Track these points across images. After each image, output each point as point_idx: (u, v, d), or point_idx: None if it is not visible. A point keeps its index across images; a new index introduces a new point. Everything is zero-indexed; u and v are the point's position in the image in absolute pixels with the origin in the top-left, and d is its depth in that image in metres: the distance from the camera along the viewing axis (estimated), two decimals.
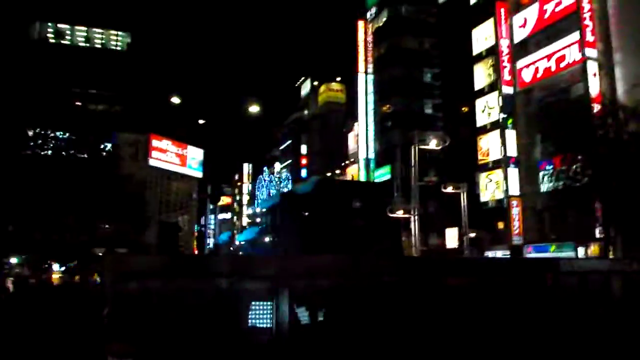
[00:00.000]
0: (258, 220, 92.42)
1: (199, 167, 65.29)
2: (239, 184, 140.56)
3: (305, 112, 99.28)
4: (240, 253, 78.96)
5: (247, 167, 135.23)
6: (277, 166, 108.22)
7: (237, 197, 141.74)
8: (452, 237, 49.67)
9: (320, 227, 17.83)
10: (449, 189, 38.69)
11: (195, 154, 64.04)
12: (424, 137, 28.71)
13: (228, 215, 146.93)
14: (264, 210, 76.17)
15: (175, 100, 58.94)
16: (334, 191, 19.82)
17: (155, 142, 57.42)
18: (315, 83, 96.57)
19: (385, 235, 18.98)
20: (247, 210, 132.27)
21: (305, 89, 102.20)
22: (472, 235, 42.56)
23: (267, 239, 58.84)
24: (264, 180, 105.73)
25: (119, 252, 38.78)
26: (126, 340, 7.80)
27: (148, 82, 68.06)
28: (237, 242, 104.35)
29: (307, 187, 34.14)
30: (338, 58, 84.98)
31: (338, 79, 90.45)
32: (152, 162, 56.40)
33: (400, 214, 31.56)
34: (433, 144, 29.05)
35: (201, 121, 58.81)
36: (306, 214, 19.26)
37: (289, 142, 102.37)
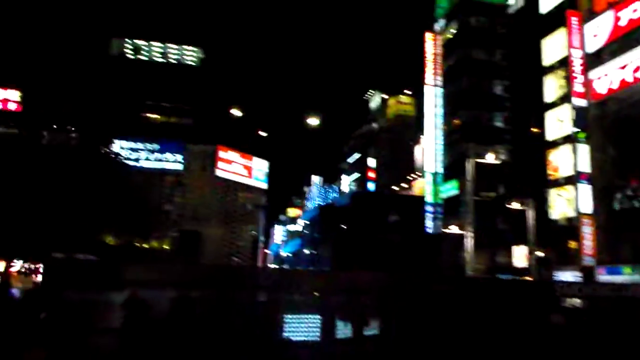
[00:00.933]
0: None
1: (265, 179, 66.21)
2: (306, 195, 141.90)
3: (374, 125, 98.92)
4: (285, 265, 78.68)
5: (316, 180, 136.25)
6: (345, 179, 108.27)
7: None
8: (520, 256, 47.68)
9: (355, 241, 17.32)
10: (514, 205, 37.20)
11: (260, 166, 65.01)
12: (480, 151, 27.63)
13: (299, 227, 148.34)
14: (306, 222, 76.15)
15: (242, 113, 60.33)
16: (370, 205, 19.20)
17: (222, 154, 58.79)
18: (385, 96, 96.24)
19: (422, 251, 18.12)
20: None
21: (375, 102, 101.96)
22: (540, 254, 40.65)
23: (306, 251, 58.60)
24: (315, 191, 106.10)
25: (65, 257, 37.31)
26: (46, 346, 7.76)
27: (218, 95, 69.93)
28: (283, 254, 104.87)
29: (344, 200, 33.38)
30: (408, 71, 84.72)
31: (407, 92, 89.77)
32: (218, 173, 57.70)
33: (454, 229, 30.54)
34: (490, 158, 27.89)
35: (263, 133, 59.63)
36: (342, 227, 18.83)
37: (357, 155, 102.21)
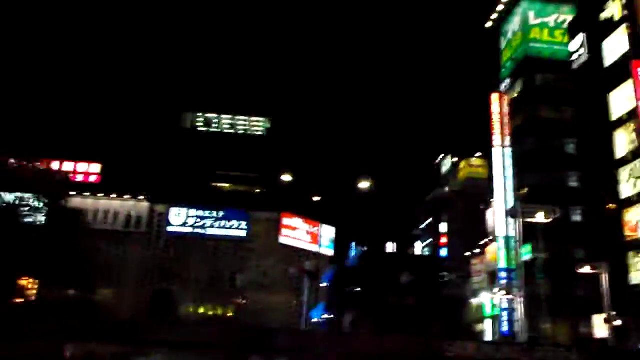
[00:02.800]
0: None
1: (331, 245, 65.71)
2: None
3: (446, 189, 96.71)
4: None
5: (391, 247, 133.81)
6: (418, 245, 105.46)
7: None
8: (600, 325, 43.80)
9: (366, 304, 16.29)
10: (586, 269, 34.64)
11: (327, 232, 64.73)
12: (529, 210, 26.07)
13: None
14: (327, 284, 73.43)
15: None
16: (379, 265, 18.10)
17: (286, 220, 59.13)
18: (455, 159, 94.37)
19: (438, 315, 16.77)
20: None
21: (446, 165, 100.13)
22: (618, 323, 37.09)
23: (327, 315, 56.53)
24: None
25: None
26: None
27: (285, 163, 71.35)
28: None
29: (353, 261, 31.45)
30: (478, 133, 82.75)
31: (478, 154, 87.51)
32: (282, 240, 57.88)
33: (502, 294, 28.51)
34: (540, 217, 26.22)
35: (318, 198, 59.60)
36: (352, 288, 17.72)
37: (429, 220, 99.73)
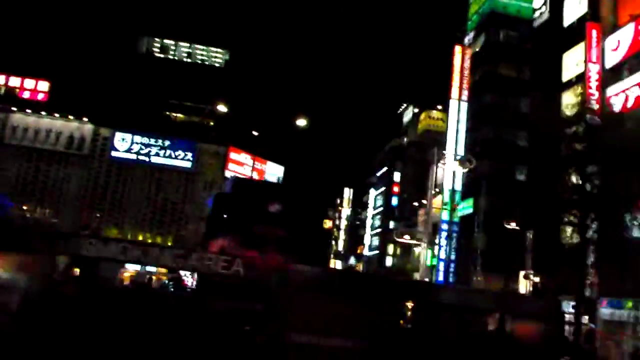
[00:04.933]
0: None
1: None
2: (339, 208, 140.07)
3: (405, 139, 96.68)
4: None
5: (347, 192, 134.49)
6: (372, 192, 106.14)
7: (337, 222, 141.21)
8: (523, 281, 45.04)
9: (232, 232, 15.86)
10: (512, 225, 35.01)
11: (274, 170, 64.11)
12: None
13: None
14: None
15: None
16: (251, 193, 17.69)
17: (233, 155, 58.19)
18: (417, 110, 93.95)
19: (307, 248, 16.49)
20: (343, 236, 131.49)
21: (407, 116, 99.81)
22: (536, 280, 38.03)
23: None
24: None
25: None
26: None
27: (240, 97, 69.69)
28: None
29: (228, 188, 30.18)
30: (441, 85, 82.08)
31: (439, 107, 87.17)
32: (227, 174, 57.12)
33: (407, 238, 28.62)
34: (455, 166, 25.88)
35: (255, 132, 58.59)
36: (224, 216, 17.48)
37: (385, 169, 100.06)
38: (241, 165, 58.96)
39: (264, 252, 13.54)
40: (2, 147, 57.29)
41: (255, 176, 61.08)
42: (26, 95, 66.92)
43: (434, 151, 71.13)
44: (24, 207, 52.32)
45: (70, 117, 60.78)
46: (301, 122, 43.77)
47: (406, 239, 51.64)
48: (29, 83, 67.96)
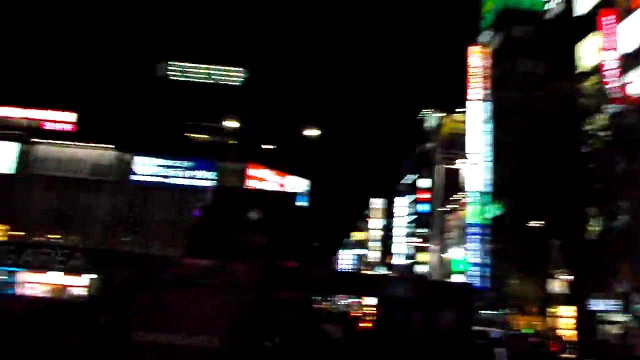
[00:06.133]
0: None
1: (304, 198, 64.93)
2: (367, 219, 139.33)
3: (429, 144, 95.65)
4: None
5: (375, 202, 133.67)
6: (400, 201, 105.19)
7: (369, 233, 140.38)
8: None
9: (211, 243, 15.38)
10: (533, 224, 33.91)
11: (297, 184, 63.90)
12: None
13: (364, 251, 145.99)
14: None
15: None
16: (229, 201, 17.21)
17: (252, 171, 58.34)
18: (439, 114, 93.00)
19: (290, 254, 15.74)
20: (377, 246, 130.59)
21: (430, 121, 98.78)
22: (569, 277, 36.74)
23: None
24: None
25: None
26: None
27: (261, 113, 70.20)
28: None
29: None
30: (462, 87, 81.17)
31: (462, 109, 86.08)
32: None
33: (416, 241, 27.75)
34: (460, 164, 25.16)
35: (269, 146, 58.44)
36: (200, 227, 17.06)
37: (412, 175, 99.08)
38: (261, 180, 58.95)
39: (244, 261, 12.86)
40: (29, 177, 58.77)
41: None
42: (53, 126, 68.65)
43: (458, 155, 70.35)
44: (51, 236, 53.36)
45: (94, 145, 62.04)
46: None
47: (417, 241, 50.67)
48: (56, 115, 69.84)
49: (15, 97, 70.91)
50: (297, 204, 22.29)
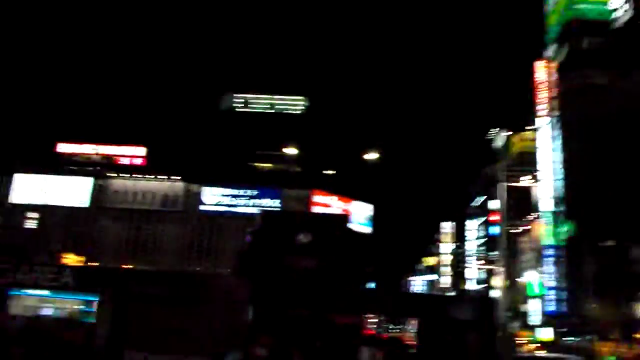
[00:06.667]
0: None
1: (368, 223, 64.40)
2: (440, 243, 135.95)
3: (498, 164, 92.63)
4: None
5: (446, 226, 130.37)
6: (471, 224, 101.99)
7: (439, 258, 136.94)
8: None
9: (260, 267, 14.99)
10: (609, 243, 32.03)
11: (362, 210, 63.46)
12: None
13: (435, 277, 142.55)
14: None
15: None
16: (279, 225, 16.76)
17: (317, 198, 58.39)
18: (508, 133, 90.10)
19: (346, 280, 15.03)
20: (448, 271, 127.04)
21: (498, 140, 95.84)
22: None
23: None
24: None
25: None
26: None
27: (323, 141, 70.58)
28: None
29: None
30: (529, 104, 78.63)
31: (531, 127, 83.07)
32: None
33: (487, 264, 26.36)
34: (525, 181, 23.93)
35: (332, 172, 58.15)
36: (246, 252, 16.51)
37: (481, 198, 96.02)
38: (326, 207, 58.88)
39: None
40: (104, 210, 61.42)
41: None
42: (125, 161, 71.70)
43: (528, 174, 67.70)
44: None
45: (163, 177, 64.19)
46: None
47: (481, 263, 49.25)
48: (127, 150, 72.89)
49: (87, 133, 75.00)
50: (350, 226, 21.90)
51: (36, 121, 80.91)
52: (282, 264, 15.13)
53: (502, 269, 59.06)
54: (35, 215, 63.67)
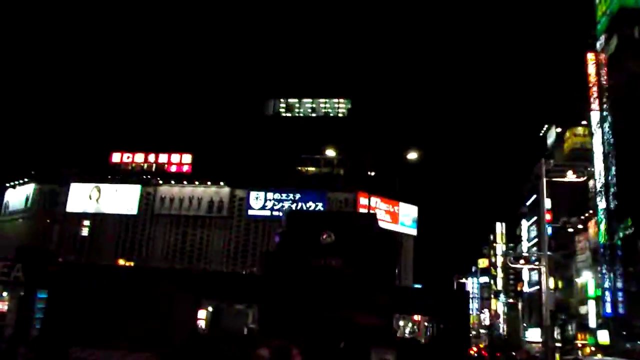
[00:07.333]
0: None
1: (413, 224, 63.61)
2: (493, 244, 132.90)
3: (551, 162, 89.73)
4: None
5: (500, 227, 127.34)
6: (525, 224, 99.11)
7: (493, 259, 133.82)
8: None
9: (283, 271, 14.67)
10: None
11: (408, 211, 62.74)
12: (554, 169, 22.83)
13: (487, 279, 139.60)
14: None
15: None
16: (304, 224, 16.30)
17: (362, 200, 58.03)
18: (560, 129, 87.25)
19: (374, 281, 14.46)
20: (500, 274, 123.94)
21: (551, 137, 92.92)
22: None
23: None
24: None
25: None
26: None
27: (367, 142, 70.06)
28: None
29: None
30: (582, 98, 75.90)
31: (584, 122, 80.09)
32: None
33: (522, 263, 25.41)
34: (570, 176, 22.92)
35: (376, 173, 57.23)
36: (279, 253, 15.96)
37: (534, 197, 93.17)
38: (371, 209, 58.37)
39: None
40: (153, 217, 62.94)
41: (389, 219, 60.03)
42: (173, 168, 73.28)
43: (583, 171, 65.22)
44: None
45: (209, 183, 65.21)
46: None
47: (521, 263, 48.79)
48: (175, 157, 74.47)
49: (137, 142, 76.98)
50: (379, 226, 21.38)
51: (91, 131, 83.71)
52: (307, 264, 14.93)
53: (553, 270, 56.95)
54: (88, 223, 65.93)
